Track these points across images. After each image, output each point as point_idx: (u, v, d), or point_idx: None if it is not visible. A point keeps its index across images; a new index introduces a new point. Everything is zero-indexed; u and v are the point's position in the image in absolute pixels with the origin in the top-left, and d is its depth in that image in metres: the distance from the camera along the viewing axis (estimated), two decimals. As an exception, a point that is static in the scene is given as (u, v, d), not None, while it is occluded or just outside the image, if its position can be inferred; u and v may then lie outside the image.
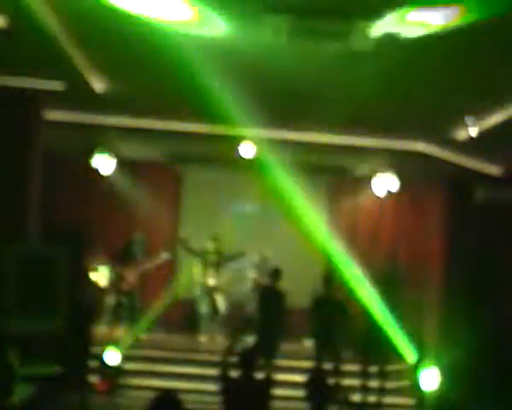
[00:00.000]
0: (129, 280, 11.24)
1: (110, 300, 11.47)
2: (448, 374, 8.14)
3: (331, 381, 7.03)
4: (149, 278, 12.09)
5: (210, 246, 11.24)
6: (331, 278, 9.72)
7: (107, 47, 6.31)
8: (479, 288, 10.00)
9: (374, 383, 9.27)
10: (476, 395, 7.34)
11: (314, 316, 9.26)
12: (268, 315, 8.90)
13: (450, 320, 10.45)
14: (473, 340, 8.45)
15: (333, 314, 8.95)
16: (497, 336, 8.52)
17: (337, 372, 8.83)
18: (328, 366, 8.88)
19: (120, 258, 11.35)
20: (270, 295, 9.16)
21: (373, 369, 9.27)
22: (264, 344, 8.73)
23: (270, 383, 5.11)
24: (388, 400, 9.43)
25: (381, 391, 9.14)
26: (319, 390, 4.46)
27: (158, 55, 6.44)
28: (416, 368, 8.93)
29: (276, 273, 9.34)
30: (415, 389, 8.93)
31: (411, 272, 12.36)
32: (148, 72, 7.11)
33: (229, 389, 4.96)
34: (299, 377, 9.27)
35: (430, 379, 8.50)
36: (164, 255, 11.48)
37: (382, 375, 9.20)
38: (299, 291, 12.14)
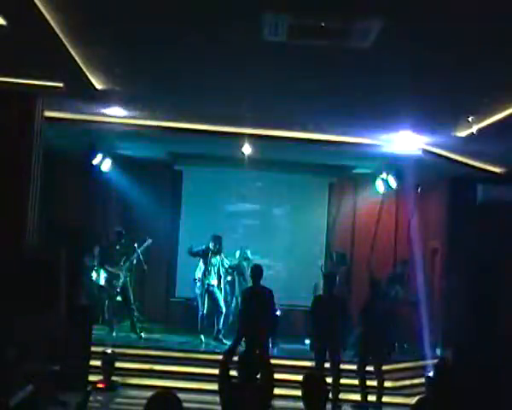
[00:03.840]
0: (121, 277, 11.22)
1: (107, 298, 11.47)
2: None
3: (329, 380, 7.03)
4: (149, 276, 12.12)
5: (211, 245, 11.22)
6: (332, 277, 9.71)
7: (107, 45, 6.30)
8: (479, 286, 9.99)
9: (373, 383, 9.27)
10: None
11: (313, 315, 9.20)
12: (252, 316, 8.59)
13: (451, 318, 10.46)
14: (474, 338, 8.45)
15: (332, 313, 8.88)
16: (497, 334, 8.51)
17: (336, 371, 8.81)
18: (327, 365, 8.88)
19: (108, 256, 11.31)
20: (252, 295, 8.80)
21: (372, 368, 9.26)
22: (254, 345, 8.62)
23: (270, 384, 5.07)
24: (388, 399, 9.43)
25: (380, 390, 9.09)
26: (315, 389, 4.43)
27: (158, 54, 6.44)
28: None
29: (255, 271, 8.88)
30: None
31: (412, 271, 12.39)
32: (149, 70, 7.10)
33: (229, 390, 4.92)
34: (298, 377, 9.30)
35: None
36: (147, 241, 11.41)
37: (380, 374, 9.15)
38: (299, 291, 12.19)
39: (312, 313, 9.14)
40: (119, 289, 11.25)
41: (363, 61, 6.09)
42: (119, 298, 11.42)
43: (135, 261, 11.37)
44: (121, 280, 11.22)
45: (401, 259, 12.56)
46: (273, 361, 8.75)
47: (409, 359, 11.07)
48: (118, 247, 11.32)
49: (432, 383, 5.20)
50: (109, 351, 9.23)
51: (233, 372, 5.16)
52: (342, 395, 8.86)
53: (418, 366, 10.64)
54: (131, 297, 11.30)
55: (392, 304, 11.22)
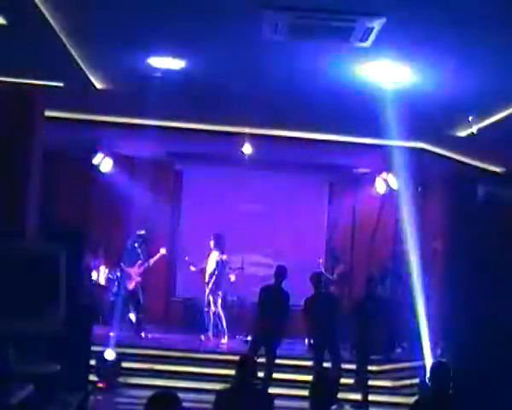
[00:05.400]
0: (135, 278, 11.25)
1: (115, 298, 11.46)
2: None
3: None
4: (149, 276, 12.10)
5: (211, 244, 11.21)
6: (317, 275, 9.70)
7: (107, 44, 6.30)
8: (480, 285, 9.98)
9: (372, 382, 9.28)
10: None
11: (307, 315, 9.21)
12: (269, 315, 8.67)
13: (451, 317, 10.45)
14: (474, 337, 8.44)
15: (327, 312, 8.88)
16: (497, 333, 8.50)
17: (337, 371, 8.81)
18: (327, 364, 8.89)
19: (127, 256, 11.33)
20: (267, 294, 8.87)
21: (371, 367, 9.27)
22: (265, 344, 8.66)
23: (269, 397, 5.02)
24: (388, 399, 9.45)
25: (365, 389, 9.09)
26: (325, 390, 4.40)
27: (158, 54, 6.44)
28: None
29: (278, 271, 8.98)
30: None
31: (412, 271, 12.37)
32: (149, 70, 7.10)
33: (223, 397, 4.85)
34: (298, 377, 9.32)
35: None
36: (163, 251, 11.45)
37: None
38: (299, 291, 12.17)
39: (306, 312, 9.15)
40: (130, 290, 11.25)
41: (362, 60, 6.09)
42: (129, 298, 11.42)
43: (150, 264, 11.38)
44: (134, 282, 11.25)
45: (388, 255, 12.49)
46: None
47: (409, 359, 11.06)
48: (138, 249, 11.35)
49: (424, 386, 5.19)
50: (111, 350, 9.23)
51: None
52: (343, 395, 8.86)
53: (418, 366, 10.63)
54: (141, 300, 11.33)
55: (385, 303, 11.20)
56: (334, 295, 9.74)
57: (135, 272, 11.26)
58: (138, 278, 11.32)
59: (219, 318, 11.09)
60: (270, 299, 8.77)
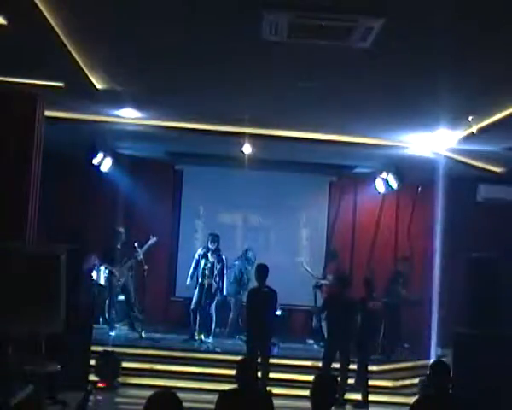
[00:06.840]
0: (121, 276, 11.22)
1: (107, 298, 11.47)
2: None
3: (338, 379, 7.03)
4: (149, 276, 12.10)
5: (210, 245, 11.20)
6: (344, 277, 9.65)
7: (108, 44, 6.30)
8: (479, 285, 9.98)
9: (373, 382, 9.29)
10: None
11: (326, 315, 9.23)
12: (258, 316, 8.59)
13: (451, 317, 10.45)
14: (473, 337, 8.45)
15: (344, 313, 8.88)
16: (496, 332, 8.52)
17: (345, 372, 8.83)
18: (336, 364, 8.90)
19: (109, 256, 11.31)
20: (255, 296, 8.77)
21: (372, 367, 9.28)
22: (257, 345, 8.63)
23: (268, 398, 5.03)
24: (388, 399, 9.45)
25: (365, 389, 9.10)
26: (327, 389, 4.40)
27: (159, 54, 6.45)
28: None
29: (259, 270, 8.81)
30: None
31: (413, 270, 12.38)
32: (149, 70, 7.11)
33: (225, 399, 4.86)
34: (298, 377, 9.33)
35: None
36: (152, 239, 11.38)
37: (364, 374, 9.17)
38: (299, 290, 12.19)
39: (325, 311, 9.17)
40: (120, 289, 11.27)
41: (363, 61, 6.09)
42: (121, 297, 11.45)
43: (139, 258, 11.32)
44: (123, 279, 11.23)
45: (402, 256, 12.55)
46: (273, 361, 8.92)
47: (409, 359, 11.07)
48: (119, 246, 11.34)
49: (426, 384, 5.18)
50: (110, 350, 9.25)
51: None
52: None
53: (418, 366, 10.64)
54: (132, 296, 11.33)
55: (394, 303, 11.22)
56: (354, 299, 9.54)
57: (120, 269, 11.23)
58: (127, 273, 11.31)
59: (211, 318, 11.09)
60: (259, 300, 8.66)
